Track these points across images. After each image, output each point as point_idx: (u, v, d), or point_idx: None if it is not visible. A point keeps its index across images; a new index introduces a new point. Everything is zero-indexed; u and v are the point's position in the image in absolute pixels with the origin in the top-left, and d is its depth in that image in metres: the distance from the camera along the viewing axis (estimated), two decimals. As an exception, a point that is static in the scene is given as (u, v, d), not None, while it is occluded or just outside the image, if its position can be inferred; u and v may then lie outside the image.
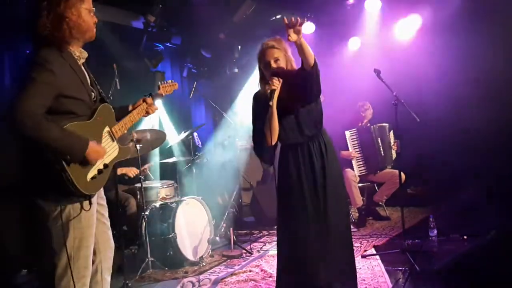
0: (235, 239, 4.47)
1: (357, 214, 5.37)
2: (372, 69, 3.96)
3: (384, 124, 5.46)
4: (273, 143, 2.66)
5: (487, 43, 5.02)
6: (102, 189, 2.30)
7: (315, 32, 6.00)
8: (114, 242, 2.41)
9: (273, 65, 2.66)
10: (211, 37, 6.05)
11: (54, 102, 2.00)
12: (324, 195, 2.63)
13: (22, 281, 3.89)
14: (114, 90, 3.52)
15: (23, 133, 1.91)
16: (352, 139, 5.32)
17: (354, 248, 2.80)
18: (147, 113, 2.51)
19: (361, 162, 5.31)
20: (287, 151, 2.73)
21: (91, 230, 2.17)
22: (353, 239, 2.81)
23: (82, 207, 2.09)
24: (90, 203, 2.12)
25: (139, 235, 4.06)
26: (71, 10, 2.06)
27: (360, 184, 5.33)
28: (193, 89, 5.80)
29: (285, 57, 2.69)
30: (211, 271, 3.91)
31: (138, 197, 4.30)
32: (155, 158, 5.37)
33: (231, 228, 4.48)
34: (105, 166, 2.17)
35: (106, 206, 2.38)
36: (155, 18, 5.21)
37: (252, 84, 6.11)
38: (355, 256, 2.79)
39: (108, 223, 2.38)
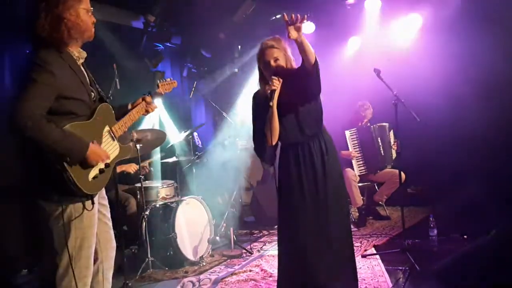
0: (235, 239, 4.48)
1: (357, 214, 5.37)
2: (372, 68, 3.95)
3: (384, 124, 5.46)
4: (274, 143, 2.66)
5: (487, 43, 5.01)
6: (103, 189, 2.30)
7: (315, 32, 5.99)
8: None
9: (273, 64, 2.65)
10: (211, 37, 6.05)
11: (54, 103, 2.00)
12: (325, 195, 2.63)
13: (23, 281, 3.89)
14: (114, 90, 3.52)
15: (23, 134, 1.91)
16: (352, 138, 5.32)
17: (354, 247, 2.80)
18: (147, 112, 2.51)
19: (361, 162, 5.31)
20: (287, 150, 2.73)
21: (93, 230, 2.17)
22: (353, 239, 2.80)
23: (84, 207, 2.09)
24: (93, 203, 2.12)
25: (139, 235, 4.05)
26: (69, 11, 2.06)
27: (360, 184, 5.33)
28: (193, 89, 5.80)
29: (284, 56, 2.68)
30: (211, 271, 3.91)
31: (138, 197, 4.29)
32: (156, 155, 5.36)
33: (231, 228, 4.48)
34: (107, 165, 2.18)
35: (108, 206, 2.38)
36: (155, 18, 5.22)
37: (252, 84, 6.09)
38: (355, 255, 2.79)
39: (110, 223, 2.38)
